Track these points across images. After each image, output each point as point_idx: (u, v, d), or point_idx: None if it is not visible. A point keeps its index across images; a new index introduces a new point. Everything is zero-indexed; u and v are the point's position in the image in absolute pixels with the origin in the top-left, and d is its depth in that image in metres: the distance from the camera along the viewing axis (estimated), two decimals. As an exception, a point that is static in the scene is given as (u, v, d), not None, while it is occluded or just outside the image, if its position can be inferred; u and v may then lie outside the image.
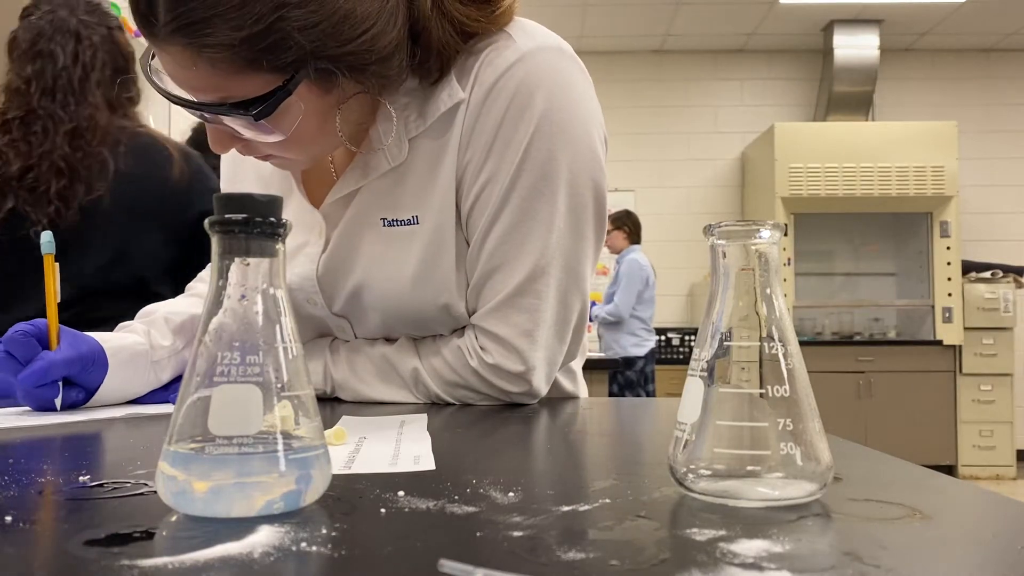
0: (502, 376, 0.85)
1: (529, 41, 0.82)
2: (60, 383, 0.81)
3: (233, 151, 0.80)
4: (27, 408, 0.82)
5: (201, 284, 1.08)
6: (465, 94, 0.82)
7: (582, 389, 1.01)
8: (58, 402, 0.81)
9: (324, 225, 0.90)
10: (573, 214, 0.84)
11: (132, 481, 0.45)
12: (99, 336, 0.86)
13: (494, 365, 0.85)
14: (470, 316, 0.88)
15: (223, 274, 0.40)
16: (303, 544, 0.32)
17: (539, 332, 0.85)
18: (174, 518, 0.37)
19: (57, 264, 0.84)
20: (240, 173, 1.02)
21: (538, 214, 0.83)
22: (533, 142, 0.81)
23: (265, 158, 0.83)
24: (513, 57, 0.81)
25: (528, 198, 0.82)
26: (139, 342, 0.90)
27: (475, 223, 0.85)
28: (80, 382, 0.83)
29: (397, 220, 0.86)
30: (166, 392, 0.93)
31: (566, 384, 0.98)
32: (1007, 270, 5.24)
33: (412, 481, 0.45)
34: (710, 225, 0.44)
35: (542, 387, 0.87)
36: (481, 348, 0.86)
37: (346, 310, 0.92)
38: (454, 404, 0.88)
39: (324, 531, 0.34)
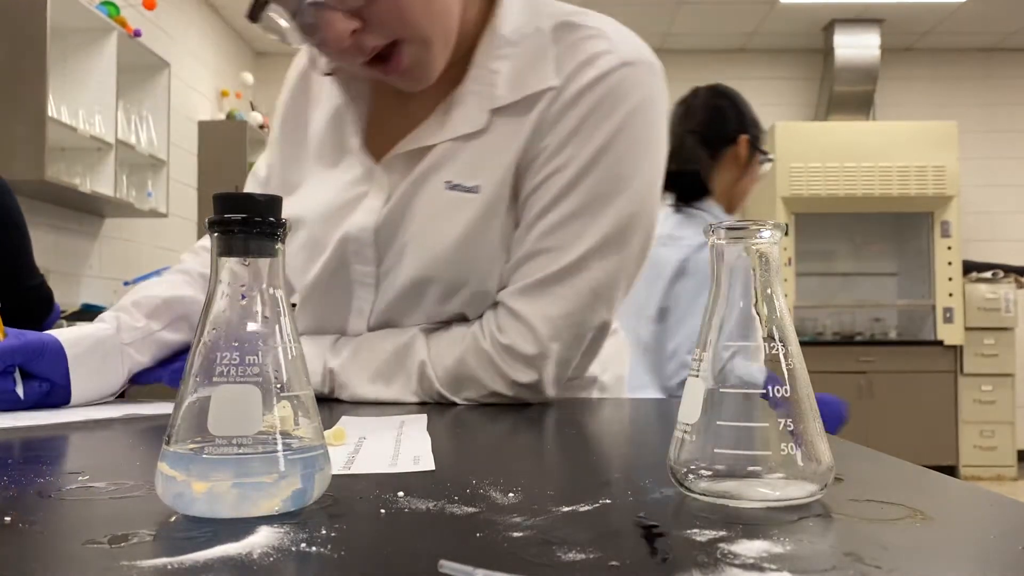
0: (514, 359, 0.84)
1: (631, 50, 0.87)
2: (16, 374, 0.81)
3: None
4: (26, 409, 0.82)
5: (191, 256, 1.05)
6: (557, 82, 0.85)
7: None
8: (20, 391, 0.80)
9: (383, 180, 0.91)
10: (627, 227, 0.85)
11: (132, 481, 0.45)
12: (56, 331, 0.86)
13: (508, 346, 0.84)
14: (500, 292, 0.88)
15: (222, 273, 0.40)
16: (303, 545, 0.32)
17: (562, 323, 0.84)
18: (173, 518, 0.36)
19: None
20: (293, 133, 1.01)
21: (596, 212, 0.84)
22: (611, 144, 0.84)
23: (371, 66, 0.82)
24: (614, 62, 0.84)
25: (591, 194, 0.84)
26: (103, 328, 0.89)
27: (532, 205, 0.86)
28: (37, 373, 0.83)
29: (461, 186, 0.86)
30: (161, 371, 0.92)
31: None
32: (1008, 270, 5.23)
33: (412, 481, 0.45)
34: (711, 225, 0.44)
35: (550, 384, 0.86)
36: (498, 328, 0.85)
37: (386, 268, 0.91)
38: (457, 404, 0.87)
39: (324, 532, 0.34)
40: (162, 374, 0.92)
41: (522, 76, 0.86)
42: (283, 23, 0.79)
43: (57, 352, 0.84)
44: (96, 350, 0.87)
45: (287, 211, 0.97)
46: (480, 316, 0.89)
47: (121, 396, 0.93)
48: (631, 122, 0.84)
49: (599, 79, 0.84)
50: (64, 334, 0.86)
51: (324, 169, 0.97)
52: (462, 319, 0.91)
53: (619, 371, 1.04)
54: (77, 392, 0.86)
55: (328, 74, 0.96)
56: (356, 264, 0.92)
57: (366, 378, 0.89)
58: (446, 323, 0.91)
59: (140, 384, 0.91)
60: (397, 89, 0.90)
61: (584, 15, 0.89)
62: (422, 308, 0.90)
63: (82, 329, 0.88)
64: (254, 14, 0.78)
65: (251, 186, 1.08)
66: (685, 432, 0.42)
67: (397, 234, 0.89)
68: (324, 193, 0.94)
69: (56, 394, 0.84)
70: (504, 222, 0.87)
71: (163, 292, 0.96)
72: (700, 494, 0.41)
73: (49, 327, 2.22)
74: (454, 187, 0.87)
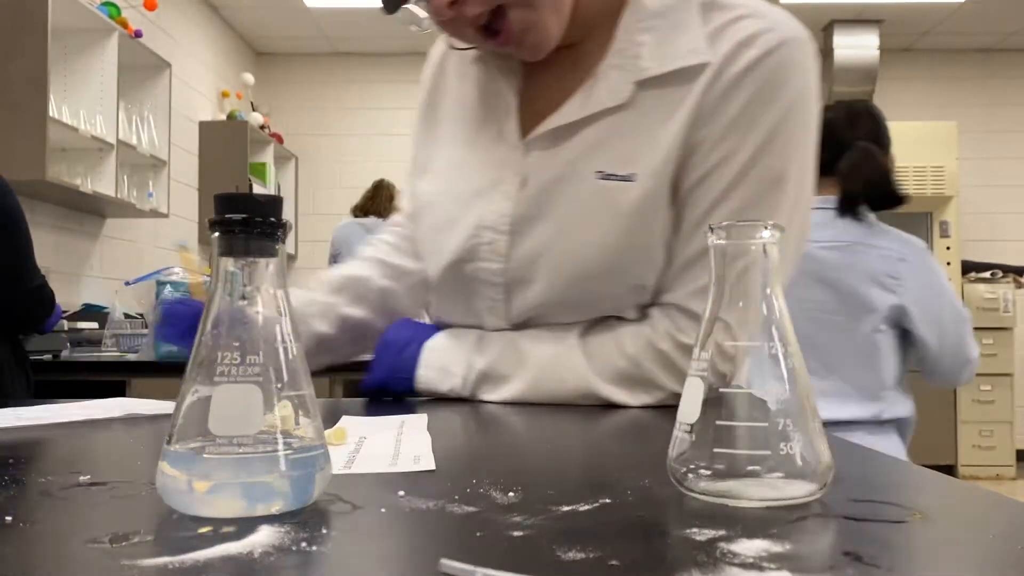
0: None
1: (788, 28, 0.82)
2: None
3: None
4: (25, 408, 0.83)
5: (371, 249, 1.07)
6: (714, 59, 0.80)
7: None
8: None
9: (524, 163, 0.86)
10: (792, 214, 0.81)
11: (133, 481, 0.45)
12: None
13: (690, 346, 0.81)
14: (658, 296, 0.84)
15: (223, 273, 0.40)
16: (303, 544, 0.32)
17: None
18: (175, 518, 0.37)
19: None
20: (429, 112, 1.00)
21: (769, 203, 0.80)
22: (779, 129, 0.79)
23: (486, 38, 0.81)
24: (774, 41, 0.80)
25: (763, 183, 0.80)
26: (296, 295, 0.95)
27: (700, 198, 0.81)
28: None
29: (614, 174, 0.81)
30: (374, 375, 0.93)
31: None
32: (1007, 270, 5.23)
33: (412, 481, 0.45)
34: (711, 225, 0.44)
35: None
36: (677, 328, 0.81)
37: (518, 267, 0.86)
38: (490, 403, 0.86)
39: (324, 531, 0.34)
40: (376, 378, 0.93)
41: (668, 47, 0.81)
42: (416, 9, 0.79)
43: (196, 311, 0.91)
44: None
45: (421, 193, 0.97)
46: (638, 314, 0.85)
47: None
48: (796, 105, 0.80)
49: (760, 59, 0.79)
50: None
51: (460, 150, 0.94)
52: (615, 316, 0.86)
53: None
54: None
55: (463, 49, 0.94)
56: (484, 261, 0.88)
57: (518, 381, 0.86)
58: (601, 323, 0.86)
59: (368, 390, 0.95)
60: (544, 71, 0.88)
61: None
62: (571, 304, 0.86)
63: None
64: (390, 5, 0.78)
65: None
66: (685, 431, 0.42)
67: (537, 225, 0.84)
68: (459, 178, 0.92)
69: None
70: (665, 214, 0.81)
71: (345, 271, 1.03)
72: (700, 494, 0.41)
73: (51, 327, 2.23)
74: (607, 177, 0.81)
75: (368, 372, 0.94)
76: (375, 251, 1.06)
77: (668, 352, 0.82)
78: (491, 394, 0.88)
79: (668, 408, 0.82)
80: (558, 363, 0.85)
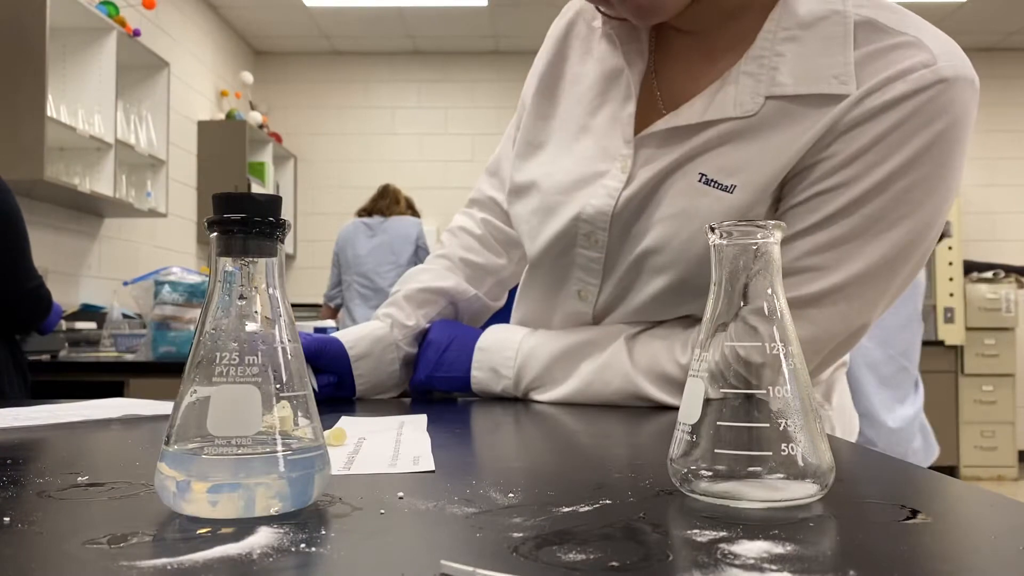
0: (742, 369, 0.79)
1: (951, 65, 0.73)
2: (308, 368, 0.87)
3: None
4: (23, 408, 0.82)
5: (449, 237, 1.08)
6: (855, 91, 0.73)
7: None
8: (313, 382, 0.88)
9: (631, 159, 0.83)
10: (898, 257, 0.75)
11: (131, 482, 0.44)
12: (339, 332, 0.96)
13: (743, 359, 0.78)
14: None
15: (222, 273, 0.39)
16: (302, 545, 0.32)
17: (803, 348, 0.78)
18: (173, 519, 0.36)
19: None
20: (547, 90, 0.95)
21: (872, 239, 0.74)
22: (908, 169, 0.73)
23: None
24: (930, 79, 0.72)
25: (872, 219, 0.74)
26: (379, 326, 0.97)
27: (800, 218, 0.76)
28: (324, 368, 0.91)
29: (716, 182, 0.78)
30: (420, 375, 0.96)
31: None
32: (1009, 270, 5.23)
33: (412, 482, 0.45)
34: (711, 225, 0.44)
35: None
36: (735, 336, 0.80)
37: (612, 259, 0.86)
38: (499, 399, 0.88)
39: (323, 532, 0.34)
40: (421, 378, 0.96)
41: (810, 66, 0.75)
42: None
43: (338, 349, 0.92)
44: (374, 347, 0.95)
45: (525, 172, 0.95)
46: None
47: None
48: (935, 147, 0.73)
49: (908, 96, 0.72)
50: (345, 335, 0.95)
51: (572, 132, 0.91)
52: (684, 318, 0.86)
53: (843, 399, 0.97)
54: (360, 384, 0.93)
55: (610, 18, 0.89)
56: (583, 248, 0.87)
57: (567, 384, 0.87)
58: (653, 326, 0.87)
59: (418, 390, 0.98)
60: (673, 58, 0.85)
61: (893, 12, 0.76)
62: (651, 304, 0.85)
63: (362, 328, 0.96)
64: None
65: (502, 145, 1.06)
66: (685, 432, 0.42)
67: (638, 221, 0.83)
68: (565, 162, 0.89)
69: (343, 387, 0.93)
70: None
71: (429, 282, 1.02)
72: (700, 494, 0.41)
73: (50, 328, 2.22)
74: (708, 181, 0.78)
75: (413, 371, 0.97)
76: (460, 246, 1.06)
77: (718, 365, 0.81)
78: (541, 395, 0.90)
79: (668, 408, 0.82)
80: (605, 366, 0.86)
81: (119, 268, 4.05)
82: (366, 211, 4.09)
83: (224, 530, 0.34)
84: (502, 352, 0.91)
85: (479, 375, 0.92)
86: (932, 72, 0.72)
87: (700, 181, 0.79)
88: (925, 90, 0.72)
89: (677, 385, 0.83)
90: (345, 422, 0.70)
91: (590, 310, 0.90)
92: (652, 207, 0.82)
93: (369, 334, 0.95)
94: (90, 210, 3.76)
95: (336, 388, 0.92)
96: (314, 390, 0.87)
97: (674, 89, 0.85)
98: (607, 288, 0.88)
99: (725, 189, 0.78)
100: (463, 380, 0.93)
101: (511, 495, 0.41)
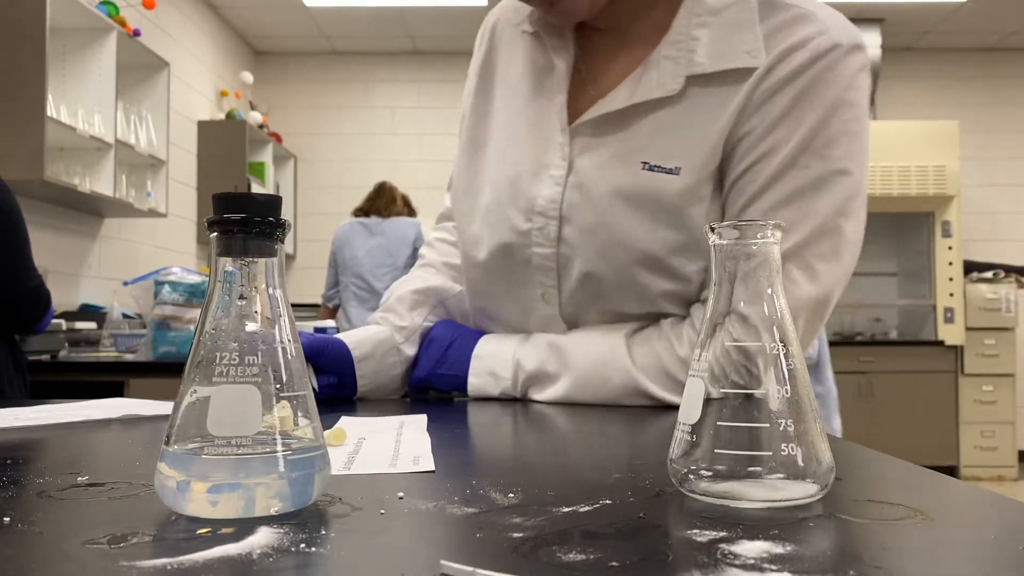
0: (743, 360, 0.81)
1: (842, 32, 0.82)
2: (309, 369, 0.88)
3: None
4: (23, 408, 0.82)
5: (428, 250, 1.10)
6: (764, 63, 0.81)
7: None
8: (314, 382, 0.88)
9: (571, 147, 0.88)
10: (841, 214, 0.81)
11: (131, 482, 0.44)
12: (340, 334, 0.96)
13: (742, 347, 0.80)
14: (705, 293, 0.85)
15: (221, 273, 0.39)
16: (302, 545, 0.32)
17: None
18: (173, 519, 0.36)
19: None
20: (483, 87, 0.99)
21: (811, 199, 0.80)
22: (823, 127, 0.80)
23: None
24: (826, 44, 0.81)
25: (805, 180, 0.80)
26: (380, 330, 0.97)
27: (741, 191, 0.82)
28: (325, 368, 0.90)
29: (659, 166, 0.83)
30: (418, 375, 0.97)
31: None
32: (1009, 270, 5.22)
33: (412, 482, 0.45)
34: (711, 225, 0.44)
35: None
36: (729, 335, 0.81)
37: (567, 252, 0.88)
38: (499, 399, 0.88)
39: (323, 532, 0.34)
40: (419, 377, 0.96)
41: (723, 46, 0.82)
42: None
43: (340, 349, 0.92)
44: (377, 349, 0.95)
45: (472, 169, 0.97)
46: (685, 310, 0.87)
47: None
48: (842, 104, 0.81)
49: (810, 62, 0.80)
50: (347, 337, 0.95)
51: (510, 128, 0.94)
52: (662, 314, 0.87)
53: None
54: (362, 385, 0.93)
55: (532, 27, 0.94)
56: (536, 242, 0.89)
57: (565, 380, 0.87)
58: (649, 323, 0.88)
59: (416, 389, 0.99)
60: (595, 52, 0.90)
61: None
62: (620, 292, 0.87)
63: (363, 331, 0.97)
64: None
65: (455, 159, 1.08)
66: (685, 432, 0.42)
67: (584, 211, 0.86)
68: (508, 156, 0.93)
69: (343, 388, 0.93)
70: (708, 207, 0.83)
71: (418, 285, 1.03)
72: (700, 494, 0.41)
73: (44, 328, 2.22)
74: (652, 168, 0.83)
75: (413, 369, 0.97)
76: (439, 254, 1.09)
77: (718, 358, 0.82)
78: (539, 394, 0.90)
79: (669, 408, 0.82)
80: (604, 362, 0.86)
81: (119, 268, 4.05)
82: (363, 211, 4.08)
83: (224, 530, 0.34)
84: (499, 356, 0.92)
85: (476, 381, 0.92)
86: (827, 39, 0.81)
87: (644, 169, 0.83)
88: (823, 56, 0.81)
89: (679, 382, 0.83)
90: (345, 422, 0.70)
91: (556, 312, 0.91)
92: (598, 197, 0.85)
93: (371, 336, 0.96)
94: (90, 210, 3.76)
95: (336, 389, 0.92)
96: (314, 390, 0.88)
97: (600, 81, 0.90)
98: (567, 287, 0.89)
99: (670, 171, 0.82)
100: (463, 379, 0.93)
101: (511, 495, 0.41)
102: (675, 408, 0.82)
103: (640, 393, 0.85)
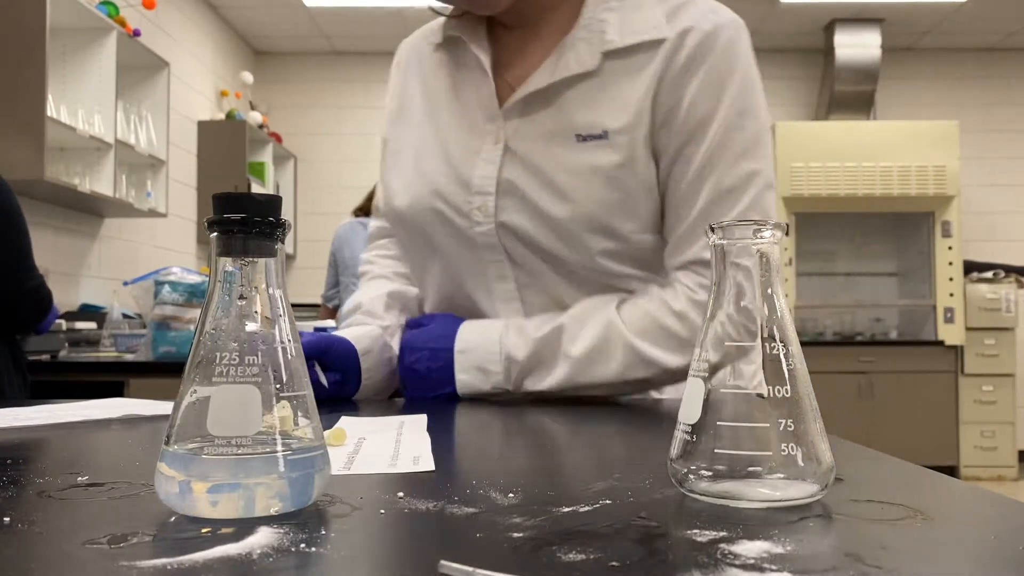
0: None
1: (726, 12, 0.92)
2: (316, 365, 0.88)
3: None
4: (23, 408, 0.82)
5: (381, 266, 1.11)
6: (671, 35, 0.89)
7: None
8: (323, 380, 0.89)
9: (504, 129, 0.92)
10: (768, 162, 0.90)
11: (131, 482, 0.44)
12: (340, 331, 0.96)
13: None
14: (673, 260, 0.90)
15: (221, 273, 0.39)
16: (302, 545, 0.32)
17: None
18: (173, 519, 0.36)
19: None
20: (399, 106, 1.04)
21: (753, 157, 0.88)
22: (742, 93, 0.89)
23: None
24: (719, 21, 0.90)
25: (745, 143, 0.88)
26: (372, 328, 0.98)
27: (685, 166, 0.88)
28: (331, 365, 0.91)
29: (590, 135, 0.89)
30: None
31: None
32: (1009, 270, 5.22)
33: (412, 482, 0.45)
34: (711, 225, 0.44)
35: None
36: (705, 279, 0.87)
37: (509, 224, 0.91)
38: (499, 399, 0.89)
39: (323, 532, 0.34)
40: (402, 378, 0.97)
41: (630, 24, 0.90)
42: None
43: (346, 346, 0.92)
44: (374, 344, 0.96)
45: (401, 174, 0.99)
46: (638, 284, 0.91)
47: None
48: (749, 72, 0.91)
49: (712, 34, 0.88)
50: (348, 333, 0.95)
51: (438, 123, 0.98)
52: (601, 270, 0.90)
53: None
54: (366, 380, 0.94)
55: (451, 16, 1.00)
56: (477, 220, 0.92)
57: (563, 366, 0.88)
58: (632, 295, 0.91)
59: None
60: (511, 45, 0.96)
61: None
62: (568, 260, 0.90)
63: (358, 329, 0.97)
64: None
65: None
66: (685, 432, 0.42)
67: (523, 185, 0.89)
68: (441, 146, 0.96)
69: (347, 384, 0.93)
70: (643, 168, 0.88)
71: (385, 289, 1.05)
72: (700, 494, 0.41)
73: (47, 329, 2.22)
74: (585, 138, 0.88)
75: (403, 388, 0.97)
76: (383, 268, 1.10)
77: (683, 310, 0.87)
78: (537, 384, 0.89)
79: (669, 408, 0.82)
80: (603, 339, 0.87)
81: (119, 268, 4.05)
82: (362, 210, 4.08)
83: (224, 530, 0.34)
84: (485, 347, 0.90)
85: (465, 377, 0.90)
86: (717, 17, 0.90)
87: (578, 141, 0.89)
88: (722, 30, 0.89)
89: (681, 339, 0.86)
90: (345, 422, 0.70)
91: (513, 287, 0.93)
92: (535, 171, 0.89)
93: (367, 333, 0.96)
94: (90, 210, 3.76)
95: (340, 387, 0.92)
96: (324, 387, 0.87)
97: (518, 73, 0.95)
98: (517, 256, 0.91)
99: (599, 137, 0.88)
100: (451, 390, 0.92)
101: (511, 495, 0.41)
102: (683, 369, 0.85)
103: (644, 361, 0.86)
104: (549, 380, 0.88)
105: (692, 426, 0.42)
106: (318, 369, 0.89)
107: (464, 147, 0.94)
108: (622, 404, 0.90)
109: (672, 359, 0.86)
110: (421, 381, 0.93)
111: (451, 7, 0.98)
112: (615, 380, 0.87)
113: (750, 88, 0.91)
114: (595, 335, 0.87)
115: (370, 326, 0.99)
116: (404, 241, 1.04)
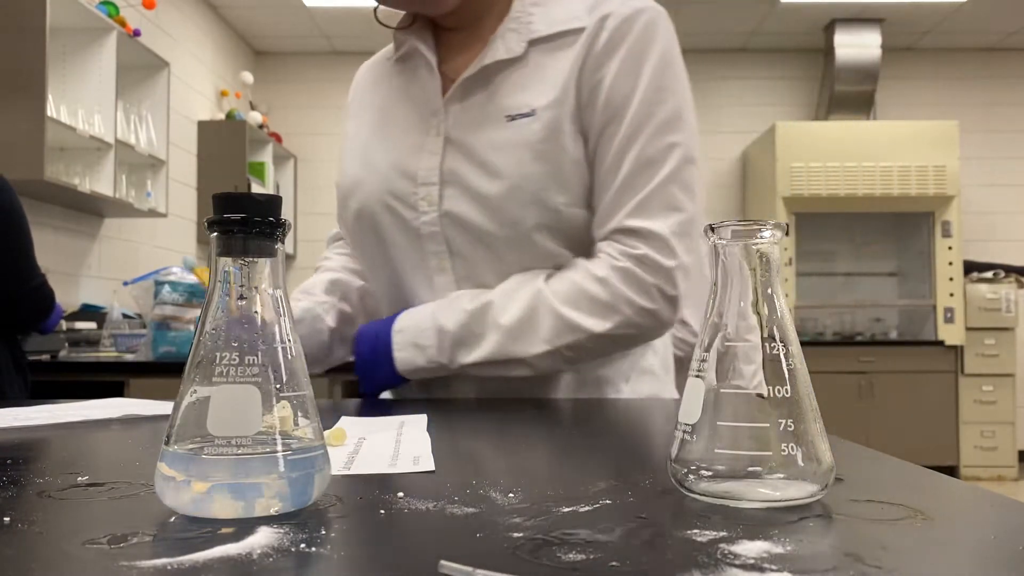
0: (652, 272, 0.90)
1: (651, 2, 0.98)
2: None
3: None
4: (23, 408, 0.82)
5: (332, 261, 1.17)
6: (589, 23, 0.95)
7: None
8: None
9: (443, 123, 0.98)
10: (692, 134, 0.95)
11: (131, 482, 0.44)
12: None
13: (646, 255, 0.89)
14: (598, 231, 0.93)
15: (221, 273, 0.39)
16: (302, 545, 0.32)
17: (680, 229, 0.91)
18: (173, 519, 0.36)
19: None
20: (357, 116, 1.09)
21: (674, 130, 0.94)
22: (662, 73, 0.95)
23: None
24: (647, 3, 0.97)
25: (665, 116, 0.93)
26: (302, 303, 1.04)
27: (611, 136, 0.93)
28: None
29: (519, 114, 0.94)
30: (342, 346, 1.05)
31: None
32: (1009, 270, 5.22)
33: (412, 482, 0.45)
34: (711, 225, 0.44)
35: (679, 303, 0.91)
36: (627, 245, 0.91)
37: (452, 210, 0.95)
38: (499, 399, 0.88)
39: (323, 532, 0.34)
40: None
41: (554, 15, 0.98)
42: None
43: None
44: (306, 315, 1.02)
45: (352, 168, 1.04)
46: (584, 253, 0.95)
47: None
48: (668, 54, 0.96)
49: (631, 19, 0.95)
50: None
51: (384, 124, 1.04)
52: (536, 248, 0.94)
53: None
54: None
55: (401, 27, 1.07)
56: (422, 209, 0.96)
57: (492, 336, 0.91)
58: (559, 268, 0.94)
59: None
60: (453, 44, 1.03)
61: None
62: (503, 235, 0.93)
63: (296, 304, 1.02)
64: None
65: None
66: (685, 432, 0.42)
67: (461, 170, 0.95)
68: (386, 141, 1.02)
69: None
70: (570, 142, 0.93)
71: (328, 276, 1.11)
72: (700, 494, 0.41)
73: (51, 328, 2.22)
74: (514, 117, 0.94)
75: (360, 384, 1.00)
76: (336, 263, 1.16)
77: (630, 268, 0.90)
78: (468, 356, 0.92)
79: (668, 407, 0.82)
80: (530, 308, 0.91)
81: (119, 268, 4.05)
82: None
83: (224, 530, 0.34)
84: (418, 326, 0.95)
85: (401, 355, 0.95)
86: (635, 2, 0.96)
87: (508, 120, 0.94)
88: (641, 14, 0.95)
89: (603, 304, 0.90)
90: (345, 422, 0.70)
91: (452, 278, 0.97)
92: (471, 155, 0.95)
93: (296, 306, 1.01)
94: (90, 210, 3.76)
95: None
96: None
97: (459, 67, 1.01)
98: (465, 251, 0.95)
99: (528, 115, 0.94)
100: (395, 374, 0.96)
101: (511, 495, 0.41)
102: (606, 335, 0.88)
103: (570, 327, 0.90)
104: (479, 351, 0.92)
105: (692, 426, 0.42)
106: None
107: (411, 143, 1.00)
108: (622, 404, 0.90)
109: (596, 324, 0.90)
110: (369, 366, 0.97)
111: (400, 17, 1.06)
112: (546, 349, 0.90)
113: (668, 63, 0.96)
114: (523, 305, 0.91)
115: (303, 302, 1.04)
116: (357, 240, 1.07)
